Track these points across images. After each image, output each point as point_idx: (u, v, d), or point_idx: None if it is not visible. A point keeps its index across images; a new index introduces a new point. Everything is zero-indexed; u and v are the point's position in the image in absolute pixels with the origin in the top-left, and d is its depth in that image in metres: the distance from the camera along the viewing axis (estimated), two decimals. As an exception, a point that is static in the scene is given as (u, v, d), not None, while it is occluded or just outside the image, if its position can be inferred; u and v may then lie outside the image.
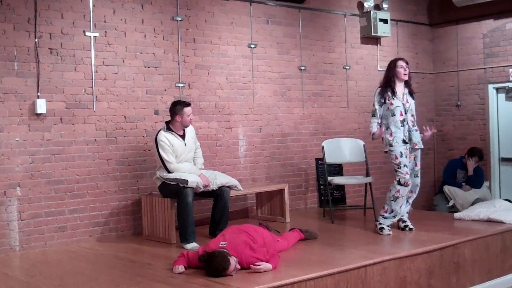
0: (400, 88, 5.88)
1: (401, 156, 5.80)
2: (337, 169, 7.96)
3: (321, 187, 7.87)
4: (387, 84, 5.88)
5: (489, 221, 6.15)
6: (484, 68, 8.93)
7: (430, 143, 9.51)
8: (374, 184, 7.04)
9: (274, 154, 7.53)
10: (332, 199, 7.09)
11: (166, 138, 5.69)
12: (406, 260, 4.93)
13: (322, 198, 7.74)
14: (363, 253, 5.01)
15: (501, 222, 6.02)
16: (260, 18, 7.40)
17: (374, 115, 5.89)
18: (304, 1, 7.79)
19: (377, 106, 5.87)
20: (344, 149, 7.07)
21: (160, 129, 5.81)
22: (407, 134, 5.83)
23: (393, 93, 5.83)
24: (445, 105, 9.45)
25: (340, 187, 8.01)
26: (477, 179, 8.34)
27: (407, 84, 5.94)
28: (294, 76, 7.74)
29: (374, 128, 5.86)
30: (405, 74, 5.85)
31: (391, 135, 5.81)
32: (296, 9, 7.76)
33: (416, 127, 5.91)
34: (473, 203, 7.61)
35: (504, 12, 8.57)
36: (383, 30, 8.43)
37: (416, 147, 5.89)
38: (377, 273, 4.70)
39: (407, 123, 5.83)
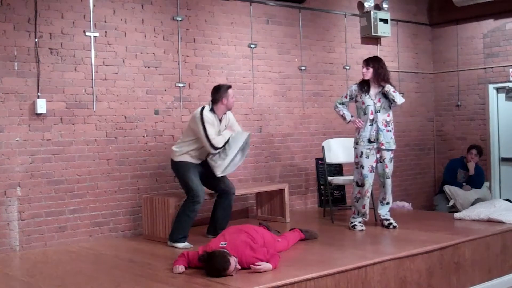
0: (374, 87, 6.00)
1: (361, 156, 6.02)
2: (337, 169, 7.95)
3: (321, 187, 7.87)
4: (363, 81, 6.04)
5: (489, 221, 6.15)
6: (484, 68, 8.93)
7: (430, 143, 9.53)
8: (374, 184, 7.02)
9: (274, 154, 7.53)
10: (332, 199, 7.09)
11: (209, 116, 5.61)
12: (406, 260, 4.92)
13: (322, 198, 7.74)
14: (363, 253, 5.01)
15: (501, 222, 6.02)
16: (260, 18, 7.40)
17: (342, 103, 6.13)
18: (304, 1, 7.79)
19: (347, 99, 6.11)
20: (344, 149, 7.06)
21: (204, 106, 5.66)
22: (374, 133, 5.97)
23: (368, 90, 5.98)
24: (445, 105, 9.45)
25: (340, 187, 8.01)
26: (478, 179, 8.35)
27: (380, 82, 5.98)
28: (294, 76, 7.74)
29: (348, 115, 6.09)
30: (364, 74, 6.00)
31: (358, 133, 6.00)
32: (296, 9, 7.76)
33: (389, 128, 6.04)
34: (473, 203, 7.61)
35: (504, 12, 8.57)
36: (383, 30, 8.44)
37: (383, 146, 6.00)
38: (377, 273, 4.70)
39: (376, 123, 5.96)
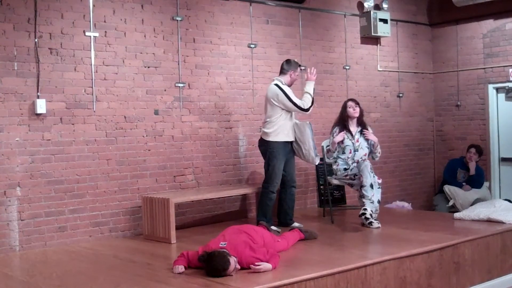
0: (353, 127, 6.52)
1: (345, 170, 6.43)
2: (337, 169, 7.95)
3: (321, 187, 7.87)
4: (342, 123, 6.49)
5: (489, 221, 6.15)
6: (484, 68, 8.93)
7: (430, 143, 9.53)
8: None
9: (274, 154, 7.51)
10: (332, 199, 7.08)
11: (286, 87, 6.22)
12: (406, 260, 4.93)
13: (322, 198, 7.73)
14: (363, 253, 5.02)
15: (501, 222, 6.02)
16: (260, 18, 7.40)
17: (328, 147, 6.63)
18: (304, 1, 7.79)
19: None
20: (344, 149, 7.06)
21: (276, 83, 6.25)
22: (352, 167, 6.36)
23: (349, 131, 6.44)
24: (445, 105, 9.45)
25: (340, 187, 8.00)
26: (477, 179, 8.35)
27: (360, 121, 6.52)
28: (294, 76, 7.72)
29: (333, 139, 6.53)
30: (354, 112, 6.49)
31: (337, 166, 6.49)
32: (296, 9, 7.76)
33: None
34: (473, 203, 7.61)
35: (504, 12, 8.57)
36: (383, 30, 8.44)
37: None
38: (377, 273, 4.70)
39: (355, 162, 6.39)
